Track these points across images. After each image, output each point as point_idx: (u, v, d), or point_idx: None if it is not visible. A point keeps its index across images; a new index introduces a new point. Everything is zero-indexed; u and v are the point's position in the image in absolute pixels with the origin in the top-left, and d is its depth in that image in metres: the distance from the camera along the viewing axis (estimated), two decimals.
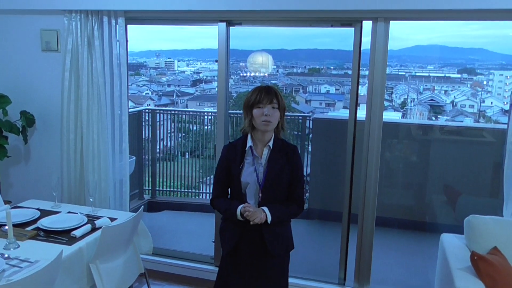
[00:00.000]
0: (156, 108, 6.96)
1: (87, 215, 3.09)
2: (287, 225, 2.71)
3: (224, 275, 2.70)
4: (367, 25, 3.35)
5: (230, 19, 3.61)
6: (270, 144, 2.58)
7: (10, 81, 4.16)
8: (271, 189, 2.56)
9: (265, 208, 2.51)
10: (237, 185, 2.59)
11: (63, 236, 2.76)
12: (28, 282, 2.07)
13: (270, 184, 2.56)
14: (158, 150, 6.54)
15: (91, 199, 3.26)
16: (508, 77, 6.01)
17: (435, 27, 5.04)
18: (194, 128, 7.02)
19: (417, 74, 6.61)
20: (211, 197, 2.74)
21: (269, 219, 2.49)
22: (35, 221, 2.97)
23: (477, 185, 4.95)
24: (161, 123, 6.52)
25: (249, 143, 2.59)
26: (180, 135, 7.02)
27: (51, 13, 3.88)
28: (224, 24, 3.61)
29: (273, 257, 2.59)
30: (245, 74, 6.64)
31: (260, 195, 2.56)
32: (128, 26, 3.84)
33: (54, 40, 3.98)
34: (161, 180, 6.48)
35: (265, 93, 2.51)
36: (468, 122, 6.00)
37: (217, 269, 2.83)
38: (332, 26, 3.52)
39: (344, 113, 5.15)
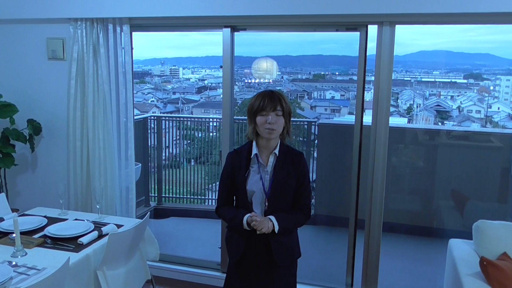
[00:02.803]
0: (162, 115, 6.97)
1: (94, 222, 3.09)
2: (293, 234, 2.66)
3: (231, 284, 2.67)
4: (372, 30, 3.34)
5: (235, 24, 3.62)
6: (276, 151, 2.53)
7: (17, 90, 4.18)
8: (277, 198, 2.51)
9: (272, 217, 2.46)
10: (243, 194, 2.53)
11: (70, 243, 2.76)
12: None
13: (276, 193, 2.50)
14: (163, 157, 6.55)
15: (97, 206, 3.26)
16: None
17: (440, 32, 5.01)
18: (200, 135, 7.03)
19: (423, 79, 6.59)
20: (216, 205, 2.69)
21: (276, 228, 2.44)
22: (42, 228, 2.97)
23: (485, 190, 4.91)
24: (167, 130, 6.54)
25: (255, 150, 2.54)
26: (185, 142, 7.03)
27: (57, 22, 3.91)
28: (228, 29, 3.62)
29: (280, 267, 2.56)
30: (250, 81, 6.64)
31: (266, 203, 2.51)
32: (133, 34, 3.86)
33: (60, 49, 4.00)
34: (167, 187, 6.48)
35: (269, 99, 2.42)
36: (475, 127, 5.97)
37: (223, 275, 2.81)
38: (337, 30, 3.50)
39: (349, 119, 5.15)
